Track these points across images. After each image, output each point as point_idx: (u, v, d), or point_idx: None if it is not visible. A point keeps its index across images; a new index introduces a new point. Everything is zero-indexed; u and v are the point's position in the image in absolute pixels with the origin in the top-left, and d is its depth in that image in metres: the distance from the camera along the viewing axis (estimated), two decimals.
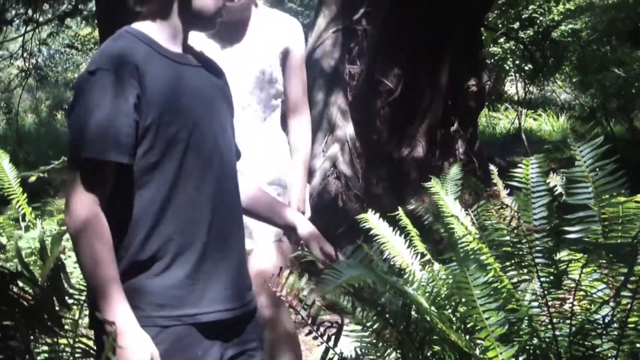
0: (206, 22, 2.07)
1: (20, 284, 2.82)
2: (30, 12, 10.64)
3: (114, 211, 1.85)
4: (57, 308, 2.84)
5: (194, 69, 2.03)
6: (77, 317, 2.95)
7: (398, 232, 3.49)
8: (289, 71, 3.25)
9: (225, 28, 2.97)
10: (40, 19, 11.24)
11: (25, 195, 4.33)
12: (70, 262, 3.72)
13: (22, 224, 4.04)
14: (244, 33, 3.15)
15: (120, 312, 1.77)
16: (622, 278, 2.24)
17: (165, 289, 1.88)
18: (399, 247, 3.30)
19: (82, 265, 1.82)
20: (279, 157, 3.25)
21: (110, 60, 1.84)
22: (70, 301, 2.94)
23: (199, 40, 2.93)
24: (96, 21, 10.69)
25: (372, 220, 3.32)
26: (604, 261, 2.35)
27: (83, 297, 2.89)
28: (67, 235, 3.94)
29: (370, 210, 3.39)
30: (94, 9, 10.29)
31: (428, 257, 3.41)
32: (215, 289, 1.95)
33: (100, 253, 1.78)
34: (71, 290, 2.97)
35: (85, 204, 1.80)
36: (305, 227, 2.26)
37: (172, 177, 1.89)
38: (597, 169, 2.54)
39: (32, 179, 5.01)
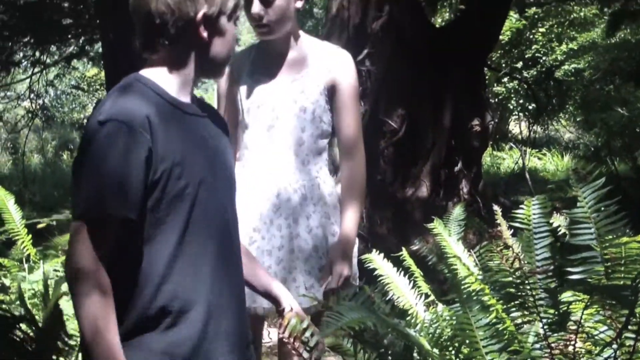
0: (219, 70, 2.05)
1: (23, 326, 2.82)
2: (37, 54, 10.76)
3: (118, 267, 1.79)
4: (59, 349, 2.84)
5: (202, 119, 2.00)
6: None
7: (402, 272, 3.49)
8: (339, 108, 2.96)
9: (264, 63, 2.95)
10: (48, 61, 11.35)
11: (30, 236, 4.34)
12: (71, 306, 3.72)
13: (26, 266, 4.04)
14: (284, 68, 2.93)
15: None
16: (625, 319, 2.24)
17: (171, 347, 1.83)
18: (402, 288, 3.30)
19: (82, 323, 1.74)
20: (320, 211, 3.00)
21: (121, 111, 1.77)
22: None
23: (237, 78, 2.96)
24: (102, 62, 10.80)
25: (376, 260, 3.32)
26: (607, 302, 2.34)
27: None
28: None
29: (374, 250, 3.39)
30: (100, 50, 10.39)
31: (432, 297, 3.40)
32: (220, 347, 1.92)
33: (102, 313, 1.73)
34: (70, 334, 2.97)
35: (88, 259, 1.74)
36: (287, 300, 2.20)
37: (178, 233, 1.83)
38: (600, 209, 2.54)
39: (41, 225, 5.04)
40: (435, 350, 2.42)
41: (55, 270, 3.80)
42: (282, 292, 2.22)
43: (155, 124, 1.79)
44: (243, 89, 2.93)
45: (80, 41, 10.79)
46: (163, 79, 1.91)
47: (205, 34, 1.89)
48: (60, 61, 11.60)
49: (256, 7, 2.73)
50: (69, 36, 10.54)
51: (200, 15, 1.86)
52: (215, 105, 3.06)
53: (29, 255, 4.30)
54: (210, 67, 2.00)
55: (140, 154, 1.74)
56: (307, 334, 2.13)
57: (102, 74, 12.84)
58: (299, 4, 2.83)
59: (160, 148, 1.78)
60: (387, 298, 3.22)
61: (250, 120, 2.91)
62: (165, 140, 1.80)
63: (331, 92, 2.92)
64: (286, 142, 2.88)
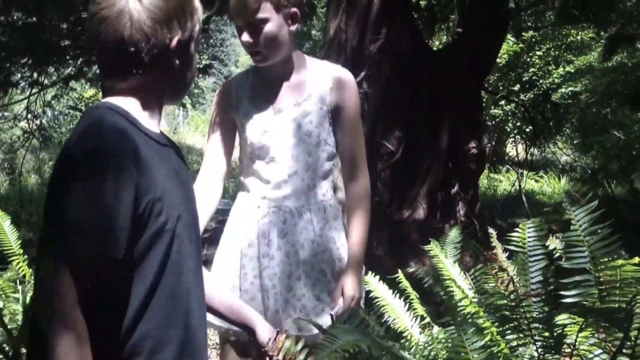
0: (183, 96, 2.00)
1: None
2: (35, 75, 10.79)
3: (94, 306, 1.65)
4: None
5: (171, 150, 1.94)
6: None
7: (398, 294, 3.49)
8: (343, 128, 2.91)
9: (264, 87, 2.89)
10: (46, 82, 11.38)
11: (26, 257, 4.33)
12: None
13: (20, 287, 4.03)
14: (285, 91, 2.87)
15: None
16: (619, 342, 2.24)
17: None
18: (398, 310, 3.30)
19: None
20: (327, 237, 2.93)
21: (110, 140, 1.65)
22: None
23: (236, 103, 2.90)
24: (100, 83, 10.85)
25: (372, 282, 3.33)
26: (601, 325, 2.34)
27: None
28: None
29: (370, 272, 3.39)
30: (98, 71, 10.43)
31: (428, 320, 3.40)
32: None
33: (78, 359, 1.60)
34: None
35: (67, 302, 1.60)
36: (264, 330, 2.18)
37: (155, 270, 1.73)
38: (595, 232, 2.54)
39: None
40: None
41: None
42: (259, 322, 2.20)
43: (140, 157, 1.69)
44: (244, 115, 2.88)
45: (78, 62, 10.82)
46: (134, 108, 1.81)
47: (177, 61, 1.84)
48: (58, 82, 11.63)
49: (245, 36, 2.72)
50: (67, 57, 10.57)
51: (175, 42, 1.81)
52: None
53: (24, 276, 4.29)
54: (176, 93, 1.94)
55: (130, 189, 1.64)
56: (301, 356, 2.13)
57: (100, 95, 12.86)
58: (293, 27, 2.78)
59: (144, 183, 1.68)
60: (383, 320, 3.22)
61: (255, 148, 2.86)
62: (148, 175, 1.70)
63: (334, 113, 2.87)
64: (292, 168, 2.82)
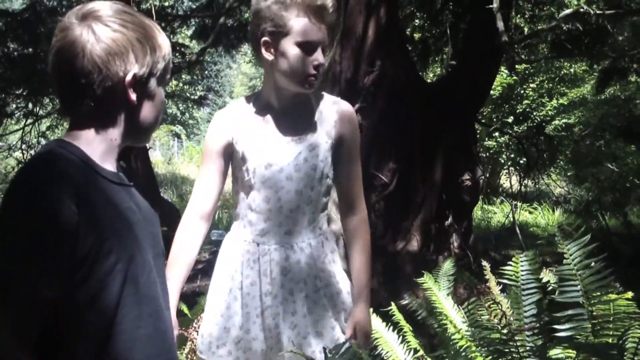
0: (145, 136, 1.93)
1: None
2: (30, 105, 10.81)
3: (46, 349, 1.63)
4: None
5: (128, 188, 1.89)
6: None
7: (391, 327, 3.48)
8: (344, 161, 2.87)
9: (266, 118, 2.82)
10: (40, 112, 11.39)
11: None
12: None
13: None
14: (289, 123, 2.80)
15: None
16: None
17: None
18: (392, 343, 3.29)
19: None
20: (327, 271, 2.89)
21: (47, 180, 1.61)
22: None
23: (236, 134, 2.81)
24: None
25: None
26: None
27: None
28: None
29: None
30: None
31: (421, 352, 3.39)
32: None
33: None
34: None
35: (13, 345, 1.58)
36: None
37: (109, 314, 1.68)
38: (588, 266, 2.54)
39: None
40: None
41: None
42: None
43: (83, 196, 1.64)
44: (246, 147, 2.79)
45: None
46: (87, 144, 1.77)
47: (134, 97, 1.77)
48: (53, 113, 11.64)
49: (320, 57, 2.66)
50: None
51: (129, 76, 1.74)
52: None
53: None
54: (137, 132, 1.87)
55: (67, 227, 1.58)
56: None
57: None
58: None
59: (88, 222, 1.63)
60: (376, 353, 3.21)
61: (256, 180, 2.76)
62: (92, 215, 1.65)
63: (337, 146, 2.81)
64: (295, 202, 2.74)
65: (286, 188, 2.72)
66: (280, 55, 2.63)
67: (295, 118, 2.78)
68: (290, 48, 2.60)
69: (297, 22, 2.57)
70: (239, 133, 2.80)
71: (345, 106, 2.90)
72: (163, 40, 1.84)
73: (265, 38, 2.64)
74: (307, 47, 2.60)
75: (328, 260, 2.88)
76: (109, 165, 1.82)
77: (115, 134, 1.80)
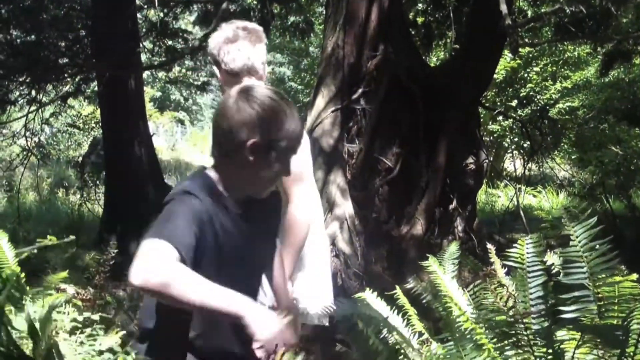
0: (258, 192, 2.51)
1: None
2: (33, 92, 10.78)
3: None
4: None
5: (243, 216, 2.46)
6: None
7: (396, 310, 3.48)
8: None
9: None
10: (44, 99, 11.37)
11: (24, 274, 4.32)
12: (65, 344, 3.69)
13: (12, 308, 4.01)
14: None
15: (245, 299, 2.18)
16: (617, 359, 2.23)
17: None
18: (397, 326, 3.29)
19: (190, 299, 2.12)
20: None
21: (183, 197, 2.35)
22: None
23: None
24: (98, 101, 10.85)
25: (370, 299, 3.32)
26: (599, 341, 2.34)
27: None
28: (55, 314, 3.93)
29: (368, 288, 3.38)
30: (96, 89, 10.43)
31: (426, 336, 3.39)
32: None
33: (198, 277, 2.13)
34: None
35: (163, 259, 2.12)
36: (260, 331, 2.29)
37: (208, 274, 2.22)
38: (593, 248, 2.54)
39: (24, 255, 5.02)
40: None
41: (42, 310, 3.78)
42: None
43: (198, 218, 2.29)
44: None
45: (76, 80, 10.83)
46: (217, 178, 2.45)
47: (251, 158, 2.35)
48: (56, 100, 11.62)
49: None
50: (65, 75, 10.57)
51: (250, 142, 2.33)
52: None
53: (22, 292, 4.27)
54: (252, 185, 2.47)
55: (192, 226, 2.26)
56: None
57: (98, 112, 12.85)
58: None
59: (206, 237, 2.30)
60: (381, 336, 3.22)
61: None
62: (209, 231, 2.31)
63: None
64: None
65: None
66: None
67: None
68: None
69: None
70: None
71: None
72: (291, 126, 2.40)
73: None
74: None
75: None
76: (232, 198, 2.44)
77: (238, 181, 2.44)
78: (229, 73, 3.32)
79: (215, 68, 3.37)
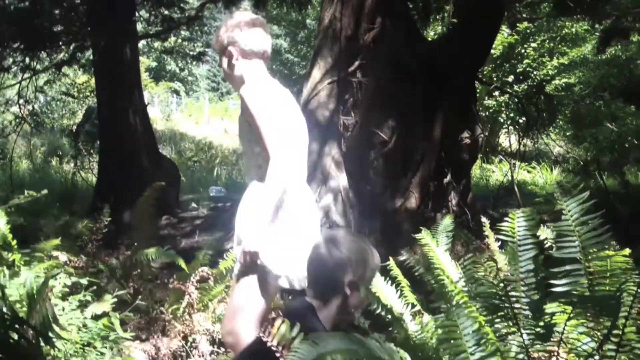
0: (349, 316, 2.92)
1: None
2: (27, 60, 10.72)
3: None
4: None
5: None
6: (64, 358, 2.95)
7: (389, 282, 3.49)
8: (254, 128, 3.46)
9: None
10: (38, 67, 11.31)
11: (15, 241, 4.33)
12: (56, 309, 3.71)
13: (7, 271, 4.02)
14: None
15: None
16: (607, 331, 2.24)
17: None
18: (389, 297, 3.30)
19: None
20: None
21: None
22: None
23: None
24: (93, 70, 10.79)
25: None
26: (590, 314, 2.35)
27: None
28: (52, 281, 3.95)
29: None
30: (91, 57, 10.38)
31: (418, 307, 3.41)
32: None
33: None
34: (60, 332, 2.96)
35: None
36: None
37: None
38: (586, 223, 2.55)
39: (12, 203, 5.03)
40: None
41: (37, 277, 3.78)
42: None
43: None
44: None
45: (71, 48, 10.76)
46: (319, 309, 2.81)
47: (348, 292, 2.79)
48: (50, 67, 11.56)
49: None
50: (60, 43, 10.51)
51: (347, 280, 2.79)
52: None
53: (13, 260, 4.28)
54: (346, 312, 2.84)
55: None
56: (297, 341, 2.13)
57: (93, 81, 12.80)
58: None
59: None
60: (374, 307, 3.23)
61: None
62: None
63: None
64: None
65: None
66: None
67: None
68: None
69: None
70: None
71: (243, 89, 3.57)
72: (373, 261, 2.91)
73: None
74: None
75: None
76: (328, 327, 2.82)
77: (334, 309, 2.81)
78: (247, 52, 3.66)
79: (231, 47, 3.65)
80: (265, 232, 3.30)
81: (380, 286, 3.50)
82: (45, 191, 5.04)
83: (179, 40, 18.41)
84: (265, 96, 3.48)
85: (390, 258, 3.70)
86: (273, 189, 3.30)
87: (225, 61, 3.70)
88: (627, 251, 2.60)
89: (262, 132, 3.38)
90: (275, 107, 3.46)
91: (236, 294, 3.42)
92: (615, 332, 2.19)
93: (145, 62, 33.36)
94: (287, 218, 3.39)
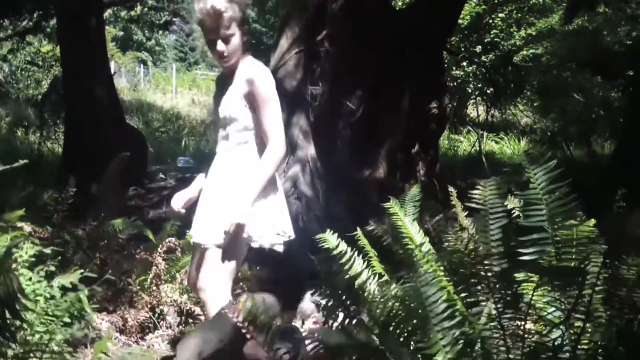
0: None
1: None
2: None
3: None
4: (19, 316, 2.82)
5: None
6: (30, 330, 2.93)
7: (357, 252, 3.49)
8: (256, 109, 3.62)
9: (223, 78, 3.82)
10: (1, 35, 11.14)
11: None
12: (22, 279, 3.67)
13: None
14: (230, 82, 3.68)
15: None
16: (573, 301, 2.26)
17: None
18: (357, 267, 3.30)
19: None
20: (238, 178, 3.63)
21: None
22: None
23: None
24: (57, 38, 10.64)
25: (331, 240, 3.32)
26: (556, 284, 2.37)
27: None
28: (17, 251, 3.90)
29: (330, 230, 3.38)
30: (56, 25, 10.23)
31: (386, 277, 3.41)
32: None
33: None
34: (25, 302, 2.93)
35: None
36: None
37: None
38: (553, 192, 2.56)
39: None
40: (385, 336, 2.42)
41: (2, 247, 3.74)
42: None
43: None
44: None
45: (35, 16, 10.59)
46: None
47: None
48: (14, 36, 11.39)
49: (220, 47, 3.56)
50: (23, 10, 10.34)
51: None
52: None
53: None
54: None
55: None
56: (261, 317, 2.12)
57: (58, 49, 12.63)
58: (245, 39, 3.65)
59: None
60: (343, 277, 3.23)
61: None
62: None
63: (250, 99, 3.63)
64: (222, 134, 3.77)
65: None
66: None
67: (228, 77, 3.73)
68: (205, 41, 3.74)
69: (201, 24, 3.58)
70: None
71: (253, 68, 3.68)
72: None
73: None
74: (209, 42, 3.63)
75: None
76: None
77: None
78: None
79: (237, 28, 3.59)
80: (251, 206, 3.50)
81: (347, 255, 3.50)
82: (22, 161, 4.97)
83: (145, 9, 18.20)
84: (273, 83, 3.68)
85: (358, 228, 3.69)
86: (268, 170, 3.55)
87: (238, 36, 3.59)
88: (592, 221, 2.62)
89: (268, 117, 3.62)
90: (276, 95, 3.68)
91: (214, 256, 3.54)
92: (581, 301, 2.21)
93: (111, 31, 33.03)
94: (270, 193, 3.65)
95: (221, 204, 3.60)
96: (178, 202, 3.77)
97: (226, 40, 3.56)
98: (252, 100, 3.61)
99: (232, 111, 3.65)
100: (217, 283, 3.53)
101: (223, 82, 3.78)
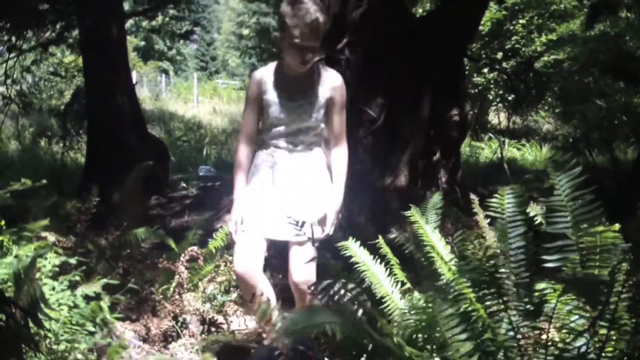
0: None
1: None
2: (13, 39, 10.63)
3: None
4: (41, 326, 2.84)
5: None
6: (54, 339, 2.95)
7: (379, 260, 3.49)
8: (331, 113, 3.99)
9: (285, 80, 3.98)
10: (24, 46, 11.22)
11: (3, 222, 4.31)
12: (46, 289, 3.69)
13: None
14: (297, 85, 3.94)
15: None
16: (598, 310, 2.24)
17: None
18: (379, 275, 3.30)
19: None
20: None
21: None
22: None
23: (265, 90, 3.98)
24: (80, 49, 10.70)
25: (353, 248, 3.33)
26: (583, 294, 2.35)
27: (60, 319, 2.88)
28: (40, 260, 3.93)
29: (351, 238, 3.39)
30: (78, 36, 10.30)
31: (408, 285, 3.40)
32: None
33: None
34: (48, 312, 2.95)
35: None
36: None
37: None
38: (577, 198, 2.55)
39: (11, 188, 5.00)
40: (408, 348, 2.41)
41: (27, 256, 3.77)
42: None
43: None
44: (272, 101, 3.96)
45: (58, 27, 10.67)
46: None
47: None
48: (37, 47, 11.47)
49: (308, 57, 3.78)
50: (46, 22, 10.42)
51: None
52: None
53: (2, 241, 4.26)
54: None
55: None
56: (277, 319, 2.12)
57: (80, 60, 12.70)
58: None
59: None
60: (364, 286, 3.23)
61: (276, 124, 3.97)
62: None
63: (328, 102, 3.97)
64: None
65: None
66: (283, 46, 3.89)
67: (298, 82, 3.95)
68: (287, 46, 3.83)
69: (295, 30, 3.72)
70: (267, 90, 4.00)
71: (333, 76, 4.03)
72: None
73: (280, 31, 3.91)
74: (300, 48, 3.75)
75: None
76: None
77: None
78: None
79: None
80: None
81: (369, 264, 3.50)
82: (44, 181, 5.05)
83: (167, 19, 18.31)
84: None
85: (380, 236, 3.69)
86: (347, 168, 4.13)
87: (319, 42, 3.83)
88: (617, 226, 2.60)
89: (342, 120, 4.08)
90: None
91: (308, 249, 3.80)
92: (606, 309, 2.19)
93: (133, 41, 33.25)
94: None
95: (307, 203, 3.92)
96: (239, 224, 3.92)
97: (314, 49, 3.81)
98: (331, 105, 3.95)
99: (318, 117, 3.94)
100: (315, 273, 3.75)
101: (285, 90, 3.96)
